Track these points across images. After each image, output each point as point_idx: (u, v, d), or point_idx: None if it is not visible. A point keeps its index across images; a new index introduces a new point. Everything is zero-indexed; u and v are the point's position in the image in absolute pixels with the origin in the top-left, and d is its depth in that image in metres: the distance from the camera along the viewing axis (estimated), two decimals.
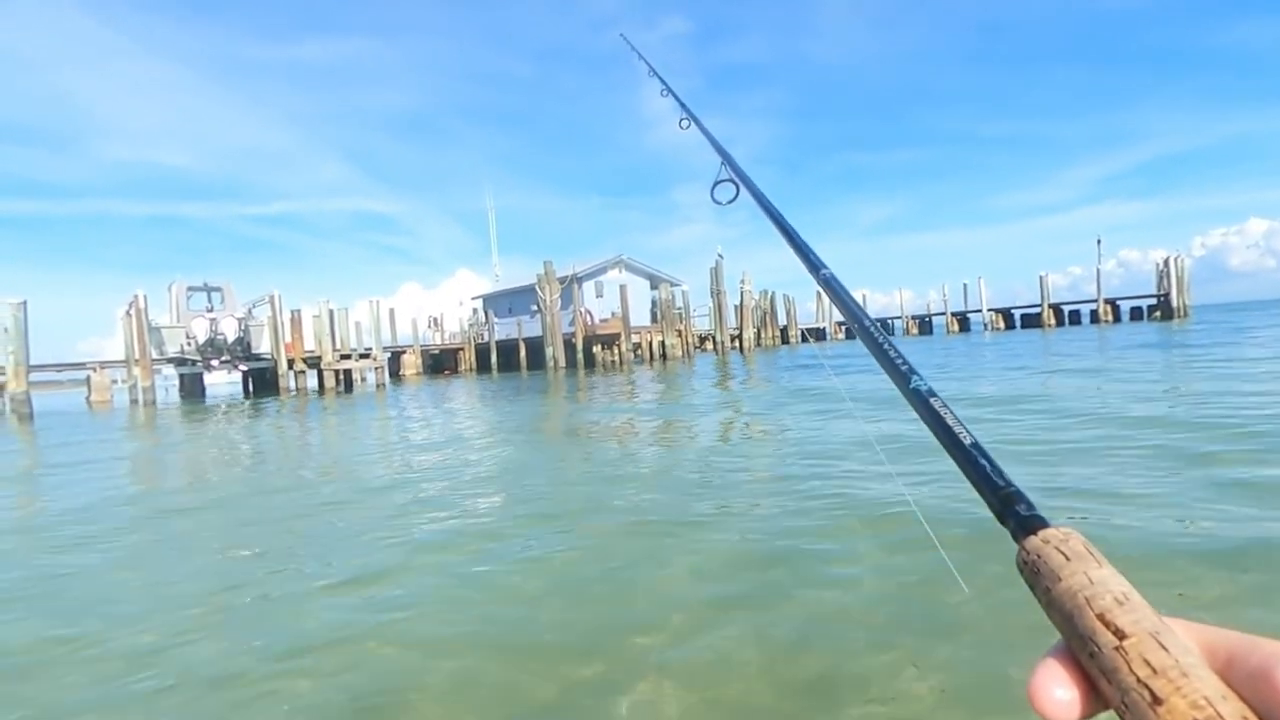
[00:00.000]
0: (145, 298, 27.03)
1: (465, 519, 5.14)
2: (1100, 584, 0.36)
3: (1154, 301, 41.89)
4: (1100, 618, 0.34)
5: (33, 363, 24.43)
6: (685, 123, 1.79)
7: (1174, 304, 40.10)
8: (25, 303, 23.89)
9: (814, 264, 0.82)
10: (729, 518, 4.65)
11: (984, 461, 0.47)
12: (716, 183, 1.32)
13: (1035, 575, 0.39)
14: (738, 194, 1.29)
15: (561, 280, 35.53)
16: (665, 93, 2.08)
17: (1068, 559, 0.38)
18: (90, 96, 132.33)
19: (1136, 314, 43.15)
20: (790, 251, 0.88)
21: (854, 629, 2.85)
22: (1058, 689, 0.34)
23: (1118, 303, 43.36)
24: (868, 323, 0.66)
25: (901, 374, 0.57)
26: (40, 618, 3.58)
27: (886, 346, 0.60)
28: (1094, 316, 43.03)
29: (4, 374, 23.69)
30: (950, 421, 0.51)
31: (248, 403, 24.18)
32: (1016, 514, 0.43)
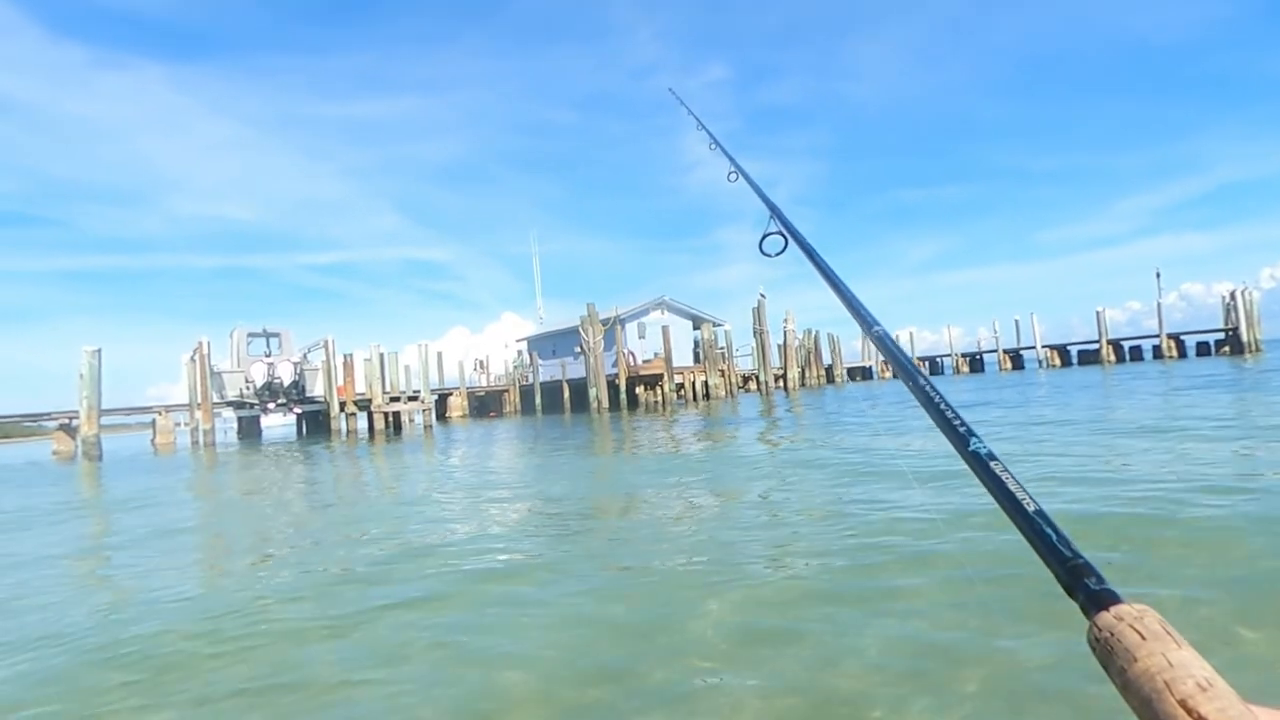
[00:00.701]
0: (209, 344, 28.36)
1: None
2: (1181, 667, 0.34)
3: (1221, 336, 39.98)
4: (1182, 704, 0.32)
5: (105, 407, 25.70)
6: (733, 176, 1.80)
7: (1243, 339, 38.19)
8: (100, 350, 25.27)
9: (866, 320, 0.80)
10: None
11: (1050, 530, 0.44)
12: (765, 235, 1.31)
13: (1109, 654, 0.37)
14: (786, 246, 1.28)
15: (604, 322, 35.91)
16: (714, 146, 2.08)
17: (1144, 638, 0.36)
18: (165, 158, 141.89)
19: (1203, 349, 41.17)
20: (839, 303, 0.87)
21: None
22: None
23: (1182, 338, 41.52)
24: (922, 381, 0.63)
25: (960, 435, 0.53)
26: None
27: (943, 407, 0.58)
28: (1157, 352, 41.24)
29: (79, 417, 24.98)
30: (1012, 487, 0.47)
31: (298, 445, 24.85)
32: (1086, 588, 0.40)
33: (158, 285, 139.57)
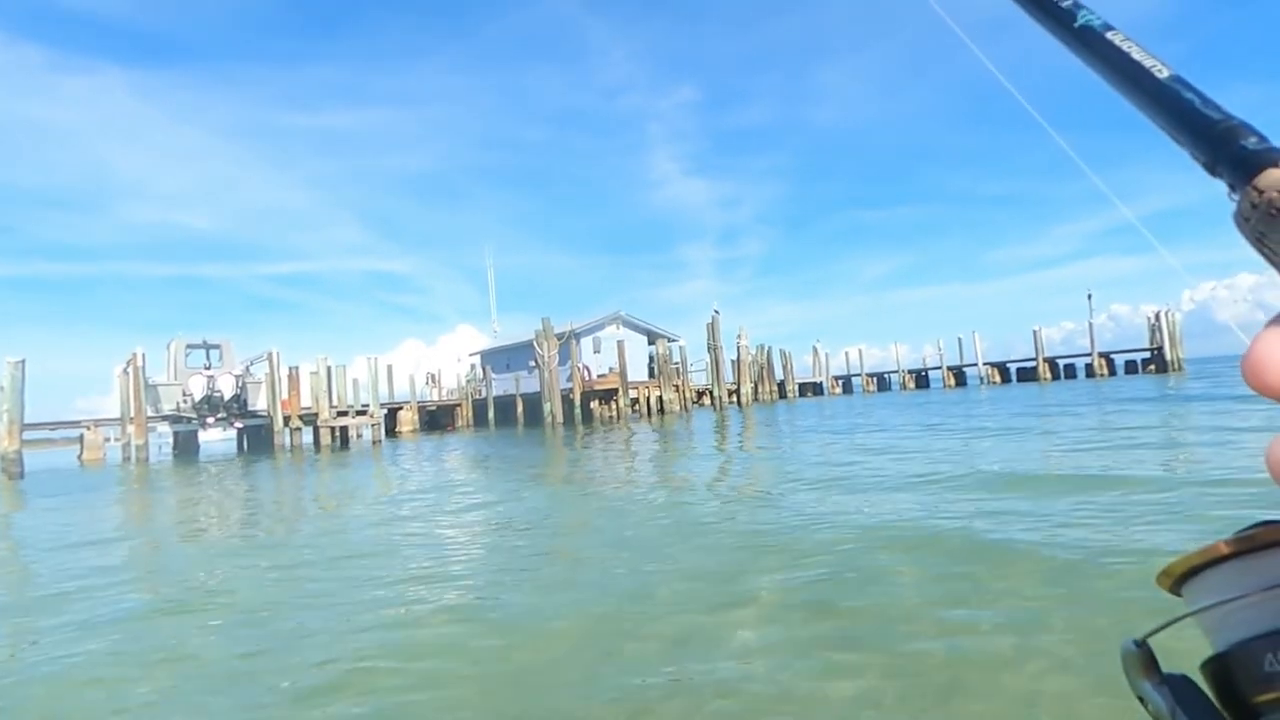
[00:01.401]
0: (144, 355, 27.15)
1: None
2: None
3: (1148, 355, 42.14)
4: None
5: (29, 420, 24.32)
6: None
7: (1167, 357, 40.34)
8: (24, 361, 23.96)
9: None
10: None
11: (1191, 95, 0.36)
12: None
13: (1271, 220, 0.31)
14: None
15: (559, 336, 35.78)
16: None
17: None
18: (121, 164, 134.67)
19: (1131, 367, 43.30)
20: None
21: None
22: None
23: (1112, 356, 43.58)
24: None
25: (1062, 11, 0.42)
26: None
27: None
28: (1089, 370, 43.17)
29: None
30: (1138, 56, 0.39)
31: (239, 461, 23.97)
32: (1243, 150, 0.33)
33: (98, 293, 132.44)
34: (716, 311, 39.25)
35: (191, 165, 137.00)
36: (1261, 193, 0.31)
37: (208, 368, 30.17)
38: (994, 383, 45.81)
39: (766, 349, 44.87)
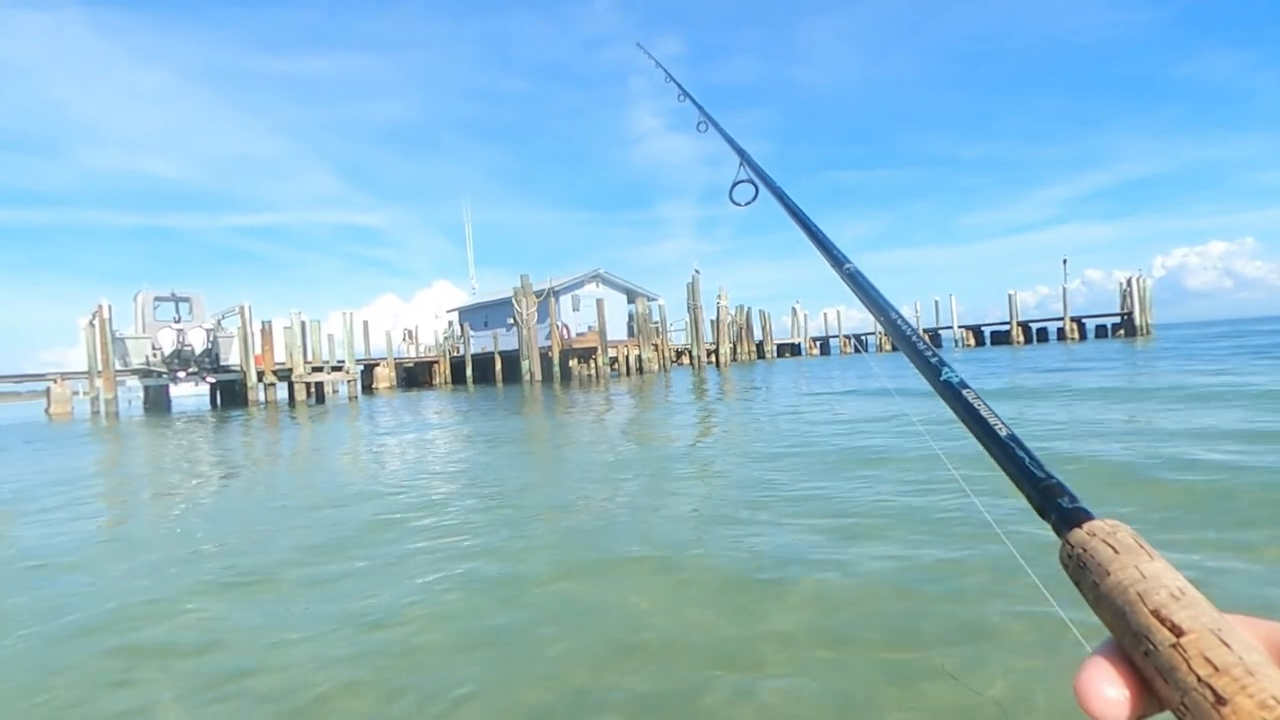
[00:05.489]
0: (110, 307, 26.39)
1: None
2: (1154, 578, 0.34)
3: (1118, 320, 43.03)
4: (1155, 614, 0.32)
5: None
6: (703, 125, 1.76)
7: (1137, 323, 41.24)
8: None
9: (837, 259, 0.83)
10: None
11: (1021, 453, 0.45)
12: (735, 184, 1.29)
13: (1081, 570, 0.37)
14: (757, 194, 1.26)
15: (538, 294, 35.45)
16: (683, 98, 2.03)
17: (1116, 552, 0.36)
18: (82, 105, 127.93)
19: (1101, 332, 44.26)
20: (811, 248, 0.89)
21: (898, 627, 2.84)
22: (1108, 687, 0.33)
23: (1083, 321, 44.46)
24: (894, 315, 0.66)
25: (932, 366, 0.55)
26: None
27: (915, 339, 0.60)
28: (1061, 334, 44.05)
29: None
30: (984, 414, 0.49)
31: (214, 416, 23.61)
32: (1059, 506, 0.41)
33: (58, 242, 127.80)
34: (697, 271, 39.23)
35: (156, 109, 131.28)
36: (1073, 547, 0.38)
37: (177, 320, 29.43)
38: (969, 345, 46.57)
39: (746, 310, 45.00)
